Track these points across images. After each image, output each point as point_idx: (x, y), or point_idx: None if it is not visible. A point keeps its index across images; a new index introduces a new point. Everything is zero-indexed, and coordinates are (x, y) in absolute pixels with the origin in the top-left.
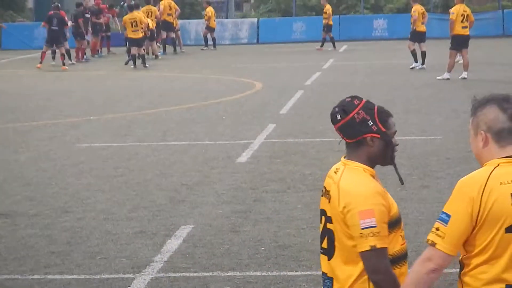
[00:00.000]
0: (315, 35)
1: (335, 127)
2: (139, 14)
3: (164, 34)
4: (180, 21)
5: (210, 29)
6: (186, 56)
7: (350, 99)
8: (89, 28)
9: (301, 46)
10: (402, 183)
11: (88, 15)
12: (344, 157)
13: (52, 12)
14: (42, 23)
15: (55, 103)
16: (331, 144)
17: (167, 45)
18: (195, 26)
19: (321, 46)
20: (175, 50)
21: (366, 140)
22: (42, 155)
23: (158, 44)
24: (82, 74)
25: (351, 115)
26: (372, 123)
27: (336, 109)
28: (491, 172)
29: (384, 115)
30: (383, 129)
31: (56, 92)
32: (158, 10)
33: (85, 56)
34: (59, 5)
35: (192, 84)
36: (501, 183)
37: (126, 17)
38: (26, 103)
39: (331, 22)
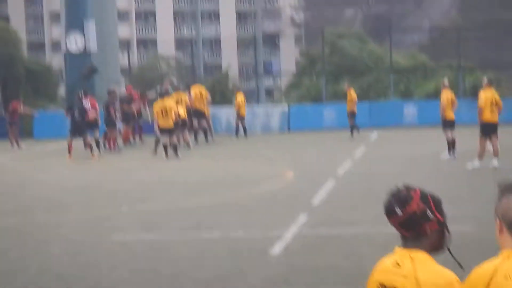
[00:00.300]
0: (346, 122)
1: (393, 221)
2: (169, 101)
3: (195, 122)
4: (211, 109)
5: (240, 118)
6: (217, 145)
7: (405, 190)
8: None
9: (332, 133)
10: (462, 268)
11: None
12: (402, 248)
13: (74, 101)
14: (65, 113)
15: (88, 194)
16: (364, 235)
17: (198, 134)
18: (226, 114)
19: (357, 133)
20: (206, 138)
21: (425, 230)
22: (74, 247)
23: (189, 132)
24: (113, 164)
25: (412, 208)
26: (430, 213)
27: (394, 202)
28: (500, 264)
29: (439, 203)
30: (441, 219)
31: (88, 182)
32: (189, 98)
33: (117, 145)
34: (82, 94)
35: (224, 174)
36: (506, 278)
37: (157, 105)
38: (57, 193)
39: (355, 110)
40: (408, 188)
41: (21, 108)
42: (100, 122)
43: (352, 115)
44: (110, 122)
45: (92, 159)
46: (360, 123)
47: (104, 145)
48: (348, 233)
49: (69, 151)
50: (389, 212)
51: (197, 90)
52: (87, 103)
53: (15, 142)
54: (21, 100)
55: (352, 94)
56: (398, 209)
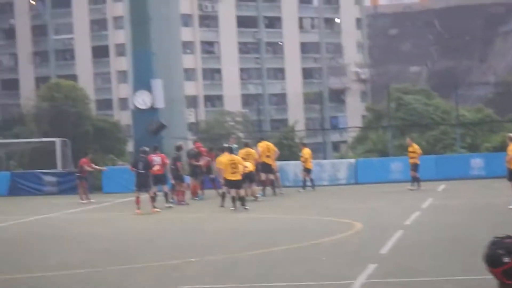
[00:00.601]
0: None
1: (496, 270)
2: (237, 156)
3: (263, 176)
4: (278, 163)
5: (307, 171)
6: (285, 197)
7: (510, 239)
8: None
9: (399, 186)
10: None
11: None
12: None
13: (139, 156)
14: (130, 167)
15: (157, 245)
16: (433, 284)
17: (266, 187)
18: (293, 168)
19: (418, 185)
20: (274, 191)
21: None
22: None
23: (257, 185)
24: (182, 216)
25: None
26: None
27: (500, 251)
28: None
29: None
30: None
31: (158, 234)
32: (257, 152)
33: (184, 199)
34: (147, 149)
35: (292, 225)
36: None
37: (225, 159)
38: (128, 245)
39: (418, 162)
40: (509, 236)
41: (90, 165)
42: (168, 177)
43: (415, 167)
44: (178, 176)
45: (153, 212)
46: (427, 176)
47: (172, 198)
48: (416, 281)
49: (138, 206)
50: (494, 261)
51: (264, 145)
52: (157, 158)
53: (84, 196)
54: (89, 157)
55: (415, 147)
56: (506, 258)
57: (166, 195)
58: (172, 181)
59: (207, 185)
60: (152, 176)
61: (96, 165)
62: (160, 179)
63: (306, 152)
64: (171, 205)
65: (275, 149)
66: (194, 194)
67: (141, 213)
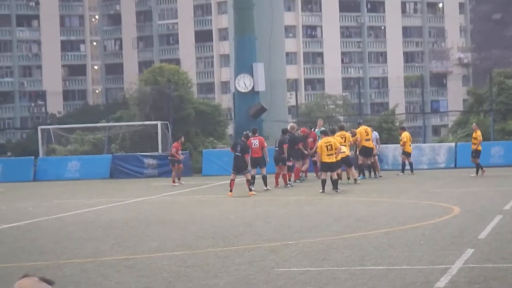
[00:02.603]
0: None
1: None
2: (334, 138)
3: (361, 159)
4: (378, 147)
5: (406, 154)
6: (383, 180)
7: None
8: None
9: (500, 170)
10: None
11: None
12: None
13: (240, 139)
14: (230, 149)
15: (255, 228)
16: None
17: (364, 170)
18: (392, 151)
19: (481, 171)
20: (371, 174)
21: None
22: (241, 279)
23: (356, 169)
24: (281, 199)
25: None
26: None
27: None
28: None
29: None
30: None
31: (256, 217)
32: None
33: (289, 182)
34: (249, 133)
35: (390, 209)
36: None
37: (321, 142)
38: (226, 228)
39: (479, 148)
40: None
41: (178, 152)
42: (268, 160)
43: (476, 154)
44: (281, 160)
45: (250, 195)
46: None
47: (289, 180)
48: None
49: (231, 188)
50: None
51: (363, 129)
52: (256, 141)
53: (177, 179)
54: (181, 141)
55: (478, 133)
56: None
57: (264, 177)
58: (290, 163)
59: (310, 168)
60: (251, 158)
61: (195, 148)
62: (258, 162)
63: (405, 135)
64: (269, 187)
65: (373, 133)
66: (297, 177)
67: (232, 196)
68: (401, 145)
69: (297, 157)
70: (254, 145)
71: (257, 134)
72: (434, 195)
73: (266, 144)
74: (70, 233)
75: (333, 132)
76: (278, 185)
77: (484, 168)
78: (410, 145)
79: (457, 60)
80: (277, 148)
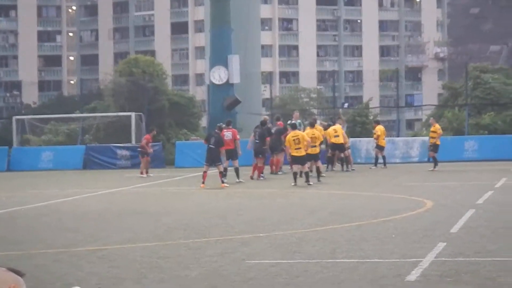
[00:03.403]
0: (488, 154)
1: None
2: (301, 132)
3: (330, 152)
4: (351, 139)
5: (379, 148)
6: (356, 174)
7: None
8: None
9: (474, 165)
10: None
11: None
12: None
13: (214, 131)
14: (203, 141)
15: (227, 220)
16: (504, 264)
17: (335, 164)
18: (365, 145)
19: (434, 167)
20: (343, 168)
21: None
22: (213, 271)
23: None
24: (254, 192)
25: None
26: None
27: None
28: None
29: None
30: None
31: (228, 209)
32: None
33: (262, 175)
34: (223, 125)
35: (363, 202)
36: None
37: (289, 136)
38: (198, 220)
39: (438, 142)
40: None
41: (148, 145)
42: (241, 152)
43: (434, 148)
44: (261, 151)
45: (222, 187)
46: (503, 156)
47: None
48: (485, 261)
49: (203, 180)
50: None
51: (332, 129)
52: (229, 133)
53: (144, 171)
54: (152, 134)
55: (437, 127)
56: None
57: (237, 170)
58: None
59: (285, 161)
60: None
61: (169, 139)
62: (230, 154)
63: (379, 129)
64: (242, 180)
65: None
66: (278, 169)
67: (205, 187)
68: (375, 139)
69: (278, 149)
70: (227, 137)
71: (230, 126)
72: (407, 188)
73: (239, 137)
74: (43, 223)
75: (312, 125)
76: (259, 177)
77: (437, 166)
78: (384, 139)
79: (432, 54)
80: (257, 141)
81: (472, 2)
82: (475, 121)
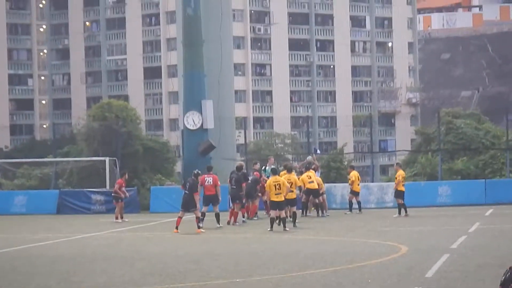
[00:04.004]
0: (461, 199)
1: None
2: (282, 178)
3: (305, 198)
4: (326, 185)
5: (354, 193)
6: (331, 219)
7: None
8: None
9: (447, 210)
10: None
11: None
12: None
13: (190, 177)
14: (181, 186)
15: (202, 265)
16: None
17: (310, 209)
18: (340, 190)
19: (402, 213)
20: (319, 213)
21: None
22: None
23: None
24: (228, 237)
25: None
26: None
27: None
28: None
29: None
30: None
31: (203, 254)
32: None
33: (243, 219)
34: (199, 172)
35: (338, 247)
36: None
37: (270, 181)
38: (173, 265)
39: (399, 188)
40: None
41: (121, 189)
42: (220, 198)
43: (397, 194)
44: (238, 197)
45: (198, 232)
46: (475, 201)
47: (244, 216)
48: None
49: (176, 225)
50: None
51: (305, 175)
52: (209, 179)
53: (119, 216)
54: (125, 178)
55: (399, 173)
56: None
57: (217, 215)
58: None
59: (260, 206)
60: (204, 196)
61: (143, 184)
62: (211, 200)
63: (353, 174)
64: (221, 225)
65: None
66: (252, 215)
67: (177, 232)
68: (349, 184)
69: (254, 196)
70: (208, 182)
71: (211, 172)
72: (382, 233)
73: (219, 183)
74: (15, 267)
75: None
76: (236, 222)
77: (407, 212)
78: (358, 184)
79: (405, 100)
80: (234, 187)
81: (442, 48)
82: (448, 166)
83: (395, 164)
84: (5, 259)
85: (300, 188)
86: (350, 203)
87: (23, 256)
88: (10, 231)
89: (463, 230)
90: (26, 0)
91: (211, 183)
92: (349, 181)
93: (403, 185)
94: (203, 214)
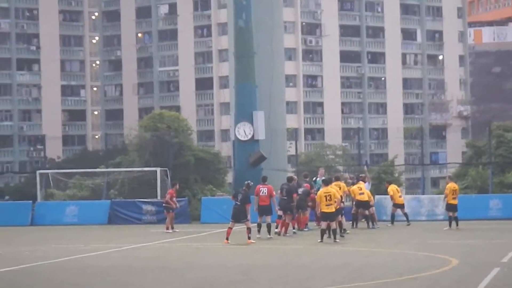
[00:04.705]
0: None
1: None
2: (332, 188)
3: (355, 209)
4: (376, 197)
5: (397, 206)
6: (381, 231)
7: None
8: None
9: (498, 223)
10: None
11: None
12: None
13: (242, 188)
14: (231, 197)
15: (251, 276)
16: None
17: (359, 221)
18: (390, 202)
19: (450, 225)
20: (368, 225)
21: None
22: None
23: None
24: (279, 248)
25: None
26: None
27: None
28: None
29: None
30: None
31: (253, 265)
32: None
33: (294, 230)
34: (251, 183)
35: (387, 260)
36: None
37: (321, 192)
38: (223, 276)
39: (450, 201)
40: None
41: (172, 199)
42: (276, 208)
43: (448, 207)
44: (289, 208)
45: (248, 243)
46: None
47: (294, 227)
48: None
49: (227, 235)
50: None
51: (356, 186)
52: (264, 189)
53: (169, 226)
54: (175, 188)
55: (447, 186)
56: None
57: (269, 226)
58: (279, 212)
59: (311, 218)
60: (258, 206)
61: (194, 195)
62: (265, 210)
63: (391, 189)
64: (272, 236)
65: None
66: (303, 225)
67: (228, 243)
68: (391, 199)
69: (305, 207)
70: (263, 193)
71: (266, 183)
72: (432, 246)
73: (274, 193)
74: (66, 278)
75: (330, 182)
76: (287, 233)
77: (458, 224)
78: (400, 196)
79: (456, 113)
80: (285, 197)
81: (493, 61)
82: (498, 179)
83: (447, 177)
84: (57, 269)
85: (351, 199)
86: (393, 216)
87: (75, 266)
88: (62, 242)
89: None
90: (79, 12)
91: (266, 193)
92: (389, 195)
93: (453, 198)
94: (259, 225)
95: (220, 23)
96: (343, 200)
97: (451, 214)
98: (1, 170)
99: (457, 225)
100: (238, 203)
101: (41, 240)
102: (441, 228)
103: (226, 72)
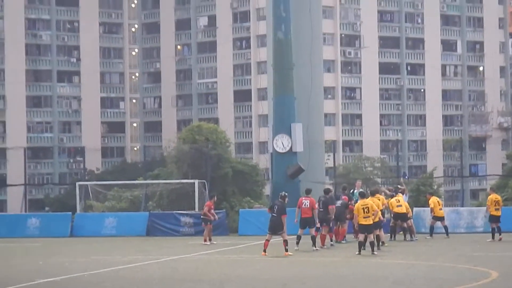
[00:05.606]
0: None
1: None
2: (370, 201)
3: (393, 222)
4: (415, 209)
5: (436, 218)
6: (419, 243)
7: None
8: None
9: None
10: None
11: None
12: None
13: (277, 200)
14: (268, 210)
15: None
16: None
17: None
18: (429, 214)
19: (493, 237)
20: (406, 237)
21: None
22: None
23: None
24: (316, 260)
25: None
26: None
27: None
28: None
29: None
30: None
31: (291, 277)
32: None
33: (331, 242)
34: (286, 194)
35: (427, 272)
36: None
37: (358, 204)
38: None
39: (492, 212)
40: None
41: (211, 211)
42: (318, 221)
43: (490, 218)
44: (326, 220)
45: (285, 255)
46: None
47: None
48: None
49: (264, 248)
50: None
51: (394, 199)
52: (307, 202)
53: (207, 238)
54: (214, 200)
55: (489, 197)
56: None
57: (313, 238)
58: (318, 225)
59: (349, 230)
60: (300, 219)
61: (232, 207)
62: (308, 222)
63: (432, 201)
64: (317, 248)
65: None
66: (341, 238)
67: (266, 255)
68: (431, 210)
69: (343, 219)
70: (305, 205)
71: (309, 195)
72: (472, 258)
73: (317, 205)
74: None
75: (372, 194)
76: (324, 245)
77: (501, 235)
78: (440, 209)
79: (496, 124)
80: (321, 209)
81: None
82: None
83: (488, 188)
84: (95, 281)
85: (389, 212)
86: (431, 228)
87: (113, 277)
88: (101, 253)
89: None
90: (119, 25)
91: (308, 206)
92: (430, 206)
93: (496, 209)
94: (299, 237)
95: (259, 35)
96: (383, 214)
97: (494, 225)
98: (41, 181)
99: (500, 235)
100: (275, 214)
101: (80, 252)
102: (481, 240)
103: (265, 84)
